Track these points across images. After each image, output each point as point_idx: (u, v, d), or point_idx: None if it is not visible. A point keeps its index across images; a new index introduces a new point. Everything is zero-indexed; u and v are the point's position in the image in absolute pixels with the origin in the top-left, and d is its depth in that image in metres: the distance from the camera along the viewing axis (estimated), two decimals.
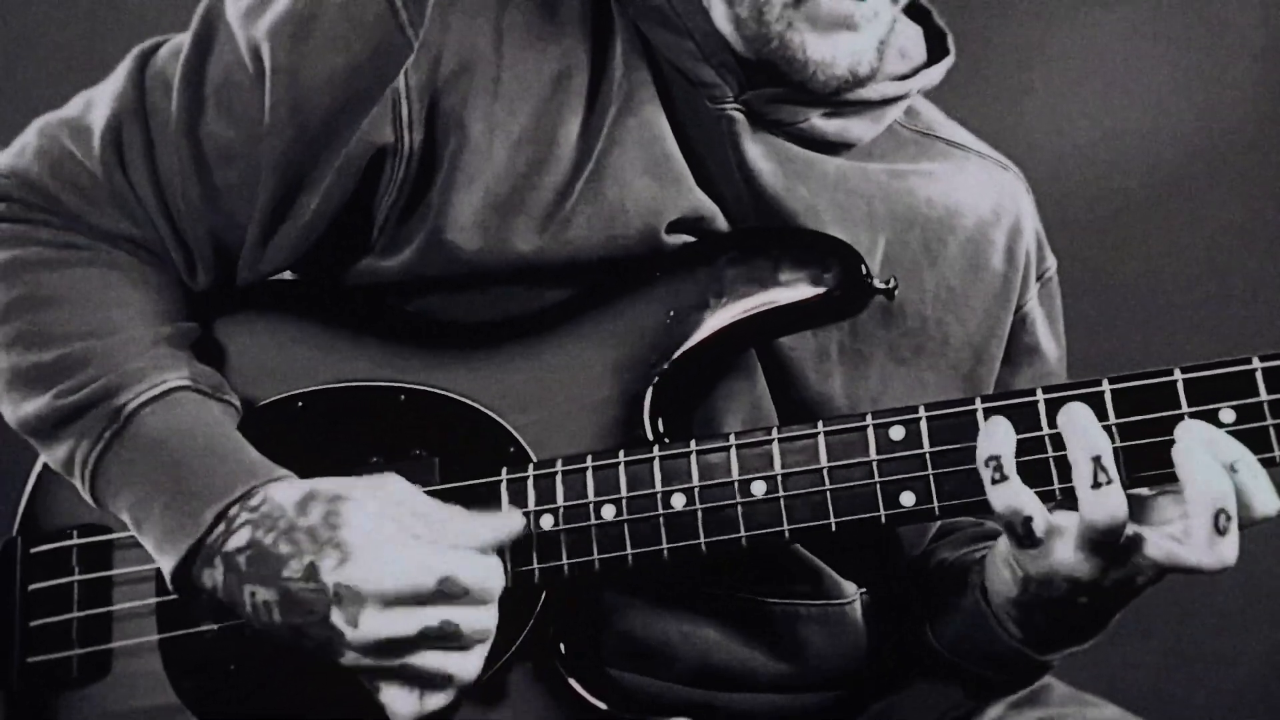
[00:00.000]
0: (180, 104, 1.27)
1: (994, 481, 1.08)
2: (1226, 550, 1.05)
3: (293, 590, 1.13)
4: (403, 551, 1.12)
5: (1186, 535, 1.06)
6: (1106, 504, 1.06)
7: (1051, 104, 2.36)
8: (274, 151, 1.25)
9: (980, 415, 1.13)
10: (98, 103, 1.32)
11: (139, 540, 1.22)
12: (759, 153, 1.28)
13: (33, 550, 1.32)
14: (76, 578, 1.30)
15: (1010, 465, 1.08)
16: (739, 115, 1.27)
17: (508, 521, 1.18)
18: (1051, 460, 1.11)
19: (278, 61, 1.24)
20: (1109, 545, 1.07)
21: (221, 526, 1.16)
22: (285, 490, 1.16)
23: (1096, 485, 1.06)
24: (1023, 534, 1.09)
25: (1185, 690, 2.03)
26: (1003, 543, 1.18)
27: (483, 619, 1.14)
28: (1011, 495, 1.08)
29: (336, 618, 1.11)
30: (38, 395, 1.25)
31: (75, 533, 1.31)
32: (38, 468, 1.35)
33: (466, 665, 1.14)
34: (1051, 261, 1.45)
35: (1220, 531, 1.04)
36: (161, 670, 1.27)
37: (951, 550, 1.36)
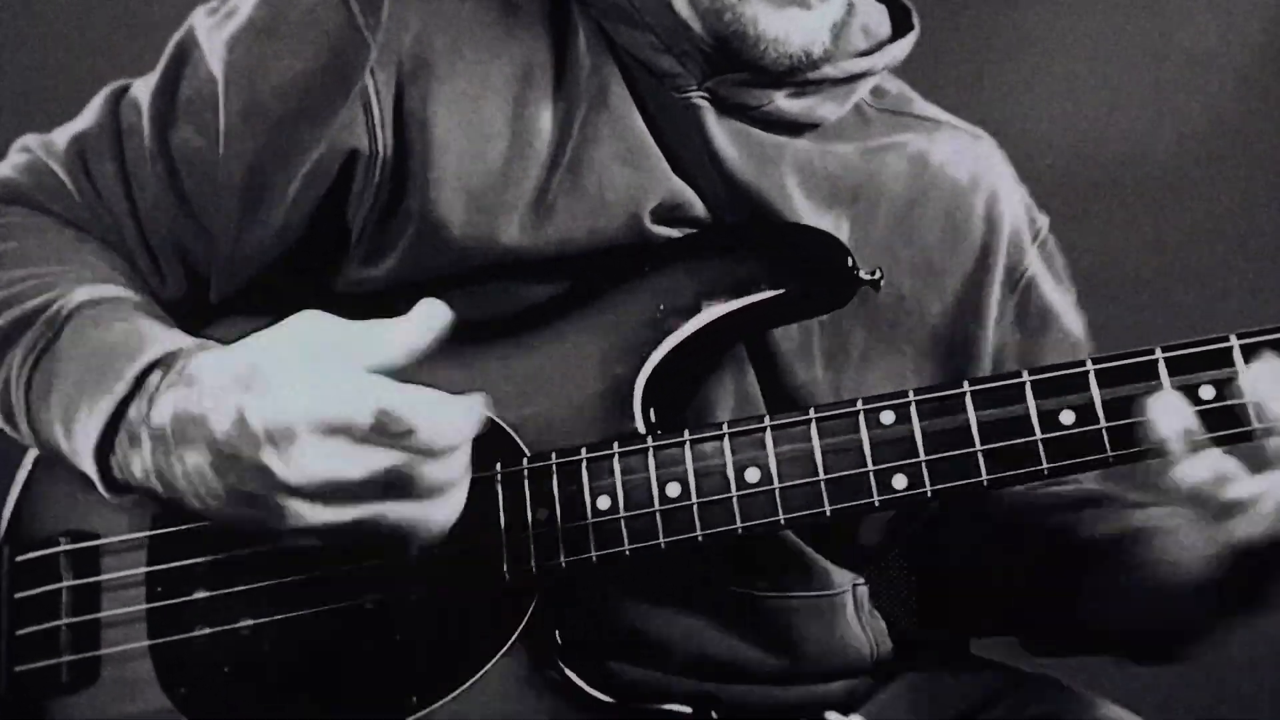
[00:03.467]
0: (151, 116, 1.30)
1: (1178, 459, 1.09)
2: None
3: (220, 442, 1.05)
4: (335, 380, 1.05)
5: None
6: None
7: (1032, 84, 2.39)
8: (238, 159, 1.27)
9: (969, 399, 1.17)
10: (72, 125, 1.35)
11: (74, 461, 1.19)
12: (726, 139, 1.31)
13: (18, 559, 1.31)
14: (65, 584, 1.29)
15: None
16: (704, 102, 1.30)
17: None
18: (1041, 448, 1.15)
19: (237, 70, 1.26)
20: None
21: (144, 398, 1.12)
22: (210, 354, 1.12)
23: None
24: (1215, 507, 1.09)
25: (1185, 689, 2.04)
26: (1183, 516, 1.17)
27: (440, 467, 1.05)
28: (1200, 468, 1.09)
29: (270, 458, 1.03)
30: None
31: (64, 539, 1.30)
32: (21, 475, 1.34)
33: (432, 516, 1.07)
34: (1043, 221, 1.46)
35: None
36: (153, 675, 1.26)
37: (1095, 526, 1.32)
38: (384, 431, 1.03)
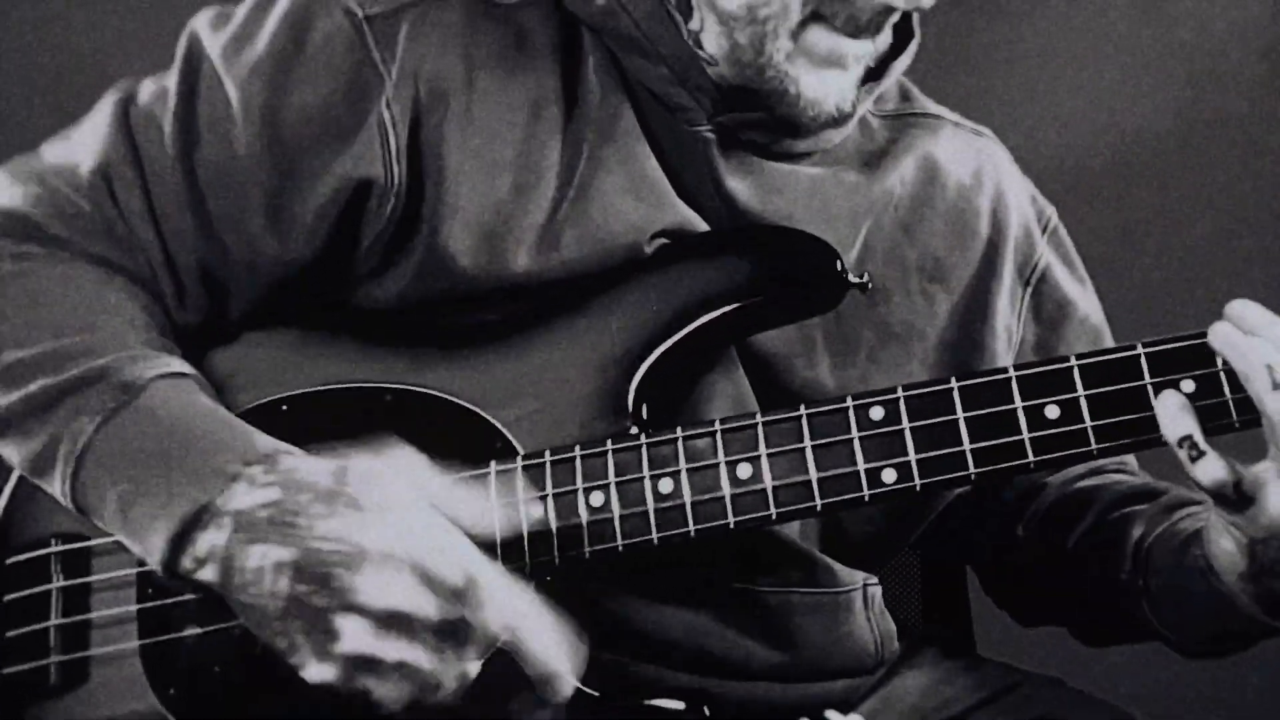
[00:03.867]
0: (174, 136, 1.29)
1: (1193, 459, 1.12)
2: None
3: (315, 549, 1.09)
4: (442, 533, 1.11)
5: None
6: None
7: (1043, 76, 2.43)
8: (258, 188, 1.28)
9: (956, 394, 1.19)
10: (81, 144, 1.33)
11: (120, 531, 1.18)
12: (733, 171, 1.33)
13: (8, 561, 1.31)
14: (55, 585, 1.29)
15: (1202, 439, 1.12)
16: (712, 136, 1.32)
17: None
18: (1027, 442, 1.17)
19: (255, 102, 1.28)
20: None
21: (241, 485, 1.13)
22: (318, 460, 1.14)
23: (1277, 386, 1.10)
24: (1235, 498, 1.12)
25: (1184, 688, 2.05)
26: (1215, 516, 1.19)
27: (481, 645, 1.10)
28: (1214, 467, 1.11)
29: (351, 579, 1.08)
30: (20, 387, 1.22)
31: (55, 541, 1.29)
32: (12, 481, 1.34)
33: (451, 674, 1.11)
34: (1050, 210, 1.49)
35: None
36: (143, 676, 1.26)
37: (1147, 526, 1.34)
38: (460, 597, 1.08)
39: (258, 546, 1.10)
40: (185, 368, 1.25)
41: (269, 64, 1.28)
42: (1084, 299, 1.47)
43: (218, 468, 1.14)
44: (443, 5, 1.30)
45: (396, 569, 1.08)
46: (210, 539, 1.12)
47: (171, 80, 1.32)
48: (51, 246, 1.30)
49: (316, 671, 1.10)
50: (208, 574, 1.13)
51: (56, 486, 1.21)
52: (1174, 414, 1.13)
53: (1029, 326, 1.44)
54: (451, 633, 1.09)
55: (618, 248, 1.29)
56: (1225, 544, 1.19)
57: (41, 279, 1.28)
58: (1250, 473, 1.13)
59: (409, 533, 1.09)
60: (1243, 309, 1.14)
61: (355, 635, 1.09)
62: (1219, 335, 1.14)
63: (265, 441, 1.18)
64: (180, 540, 1.14)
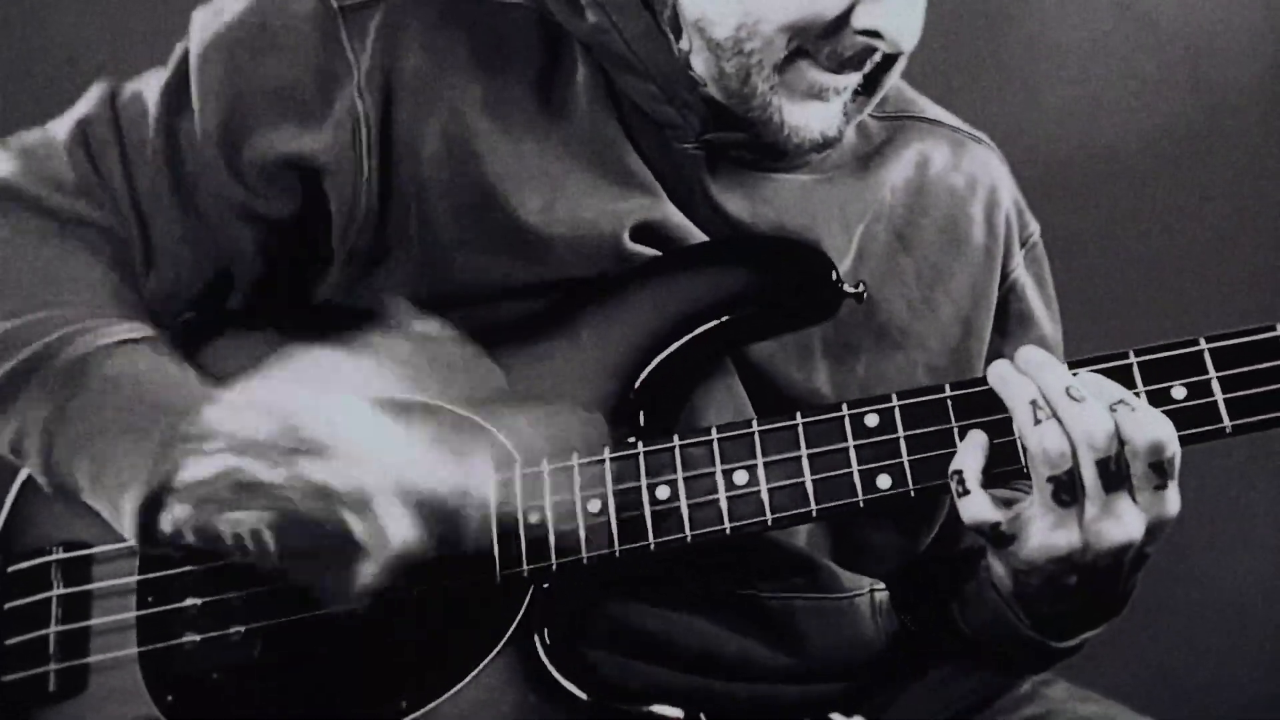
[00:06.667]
0: (160, 105, 1.33)
1: (959, 495, 1.17)
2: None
3: (293, 504, 1.13)
4: (390, 440, 1.15)
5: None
6: (1046, 438, 1.13)
7: (1032, 78, 2.44)
8: (218, 152, 1.31)
9: (949, 402, 1.20)
10: (66, 118, 1.37)
11: (101, 509, 1.22)
12: (722, 184, 1.35)
13: (10, 569, 1.32)
14: (55, 593, 1.30)
15: (973, 480, 1.16)
16: (700, 154, 1.34)
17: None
18: (1019, 446, 1.18)
19: (214, 73, 1.31)
20: (1071, 501, 1.13)
21: (190, 460, 1.15)
22: (251, 409, 1.15)
23: (1037, 423, 1.13)
24: (993, 537, 1.17)
25: (1184, 687, 2.05)
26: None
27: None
28: (975, 507, 1.16)
29: (354, 523, 1.13)
30: None
31: (58, 549, 1.30)
32: (14, 489, 1.35)
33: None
34: (1035, 227, 1.51)
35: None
36: (141, 683, 1.27)
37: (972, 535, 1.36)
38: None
39: (228, 515, 1.15)
40: (136, 331, 1.26)
41: (234, 39, 1.31)
42: (1047, 319, 1.49)
43: (166, 440, 1.16)
44: (419, 1, 1.32)
45: (388, 502, 1.13)
46: (173, 516, 1.17)
47: (170, 64, 1.36)
48: (32, 209, 1.32)
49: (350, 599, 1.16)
50: (189, 540, 1.18)
51: (38, 474, 1.26)
52: (965, 448, 1.18)
53: (991, 334, 1.46)
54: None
55: (600, 238, 1.30)
56: (996, 565, 1.23)
57: (9, 250, 1.31)
58: (1012, 513, 1.17)
59: (381, 460, 1.13)
60: (1028, 353, 1.18)
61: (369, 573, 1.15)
62: (994, 373, 1.18)
63: (197, 393, 1.19)
64: (146, 521, 1.18)
